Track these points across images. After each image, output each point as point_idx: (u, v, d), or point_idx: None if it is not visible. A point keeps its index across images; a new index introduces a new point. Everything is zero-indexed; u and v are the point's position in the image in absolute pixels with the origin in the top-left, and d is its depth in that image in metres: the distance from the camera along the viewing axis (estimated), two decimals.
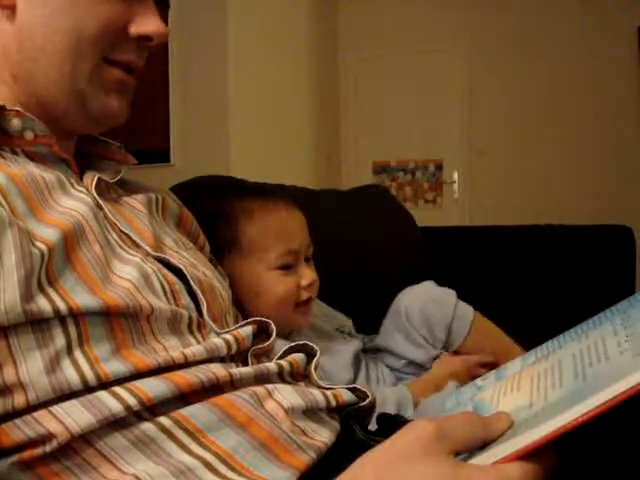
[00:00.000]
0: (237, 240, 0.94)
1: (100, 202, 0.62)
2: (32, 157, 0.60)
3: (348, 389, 0.65)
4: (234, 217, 0.95)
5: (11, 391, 0.48)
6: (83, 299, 0.51)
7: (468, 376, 1.03)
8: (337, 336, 1.10)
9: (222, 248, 0.91)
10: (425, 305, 1.09)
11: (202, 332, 0.62)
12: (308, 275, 0.98)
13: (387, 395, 0.96)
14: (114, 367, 0.51)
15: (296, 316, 0.97)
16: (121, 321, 0.54)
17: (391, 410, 0.92)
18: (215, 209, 0.94)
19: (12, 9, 0.59)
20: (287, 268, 0.96)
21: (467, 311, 1.10)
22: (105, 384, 0.51)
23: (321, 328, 1.08)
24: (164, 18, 0.66)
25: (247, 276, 0.93)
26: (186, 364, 0.56)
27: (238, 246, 0.94)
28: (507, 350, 1.09)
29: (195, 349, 0.57)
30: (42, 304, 0.49)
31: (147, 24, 0.63)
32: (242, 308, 0.88)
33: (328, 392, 0.62)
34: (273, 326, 0.68)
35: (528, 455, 0.38)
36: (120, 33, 0.62)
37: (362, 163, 4.72)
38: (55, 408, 0.49)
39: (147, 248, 0.63)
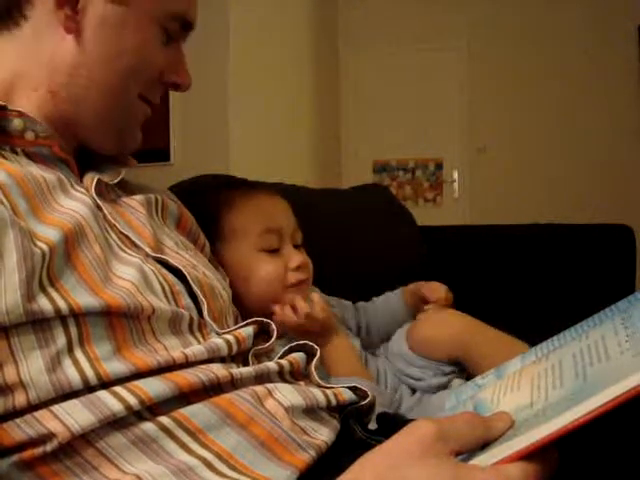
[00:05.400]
0: (220, 229, 0.95)
1: (99, 203, 0.63)
2: (32, 157, 0.61)
3: (348, 388, 0.65)
4: (217, 210, 0.96)
5: (12, 390, 0.48)
6: (84, 299, 0.51)
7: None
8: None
9: (211, 243, 0.91)
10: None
11: (203, 332, 0.62)
12: (296, 257, 0.96)
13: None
14: (115, 366, 0.51)
15: (289, 296, 0.95)
16: (122, 321, 0.54)
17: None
18: (202, 208, 0.95)
19: (76, 33, 0.62)
20: (273, 251, 0.95)
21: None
22: (106, 384, 0.51)
23: None
24: None
25: (235, 261, 0.93)
26: (187, 364, 0.56)
27: (222, 235, 0.94)
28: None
29: (196, 349, 0.57)
30: (43, 304, 0.49)
31: (181, 75, 0.70)
32: (239, 301, 0.88)
33: (328, 391, 0.62)
34: (274, 326, 0.68)
35: (529, 455, 0.38)
36: (158, 76, 0.68)
37: (362, 162, 4.71)
38: (56, 407, 0.49)
39: (147, 249, 0.63)
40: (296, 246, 1.00)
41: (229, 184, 1.19)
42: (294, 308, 0.95)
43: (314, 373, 0.66)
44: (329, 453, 0.57)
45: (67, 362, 0.50)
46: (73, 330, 0.51)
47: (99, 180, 0.65)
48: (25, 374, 0.48)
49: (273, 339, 0.67)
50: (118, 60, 0.63)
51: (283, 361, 0.63)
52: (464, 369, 1.02)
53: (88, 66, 0.62)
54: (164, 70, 0.68)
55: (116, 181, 0.69)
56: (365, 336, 1.19)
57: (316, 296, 0.97)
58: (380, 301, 1.22)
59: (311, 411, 0.59)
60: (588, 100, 4.23)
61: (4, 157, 0.58)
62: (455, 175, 4.63)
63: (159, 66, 0.67)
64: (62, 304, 0.50)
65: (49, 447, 0.48)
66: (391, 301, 1.21)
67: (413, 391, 1.03)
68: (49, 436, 0.48)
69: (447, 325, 1.01)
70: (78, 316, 0.51)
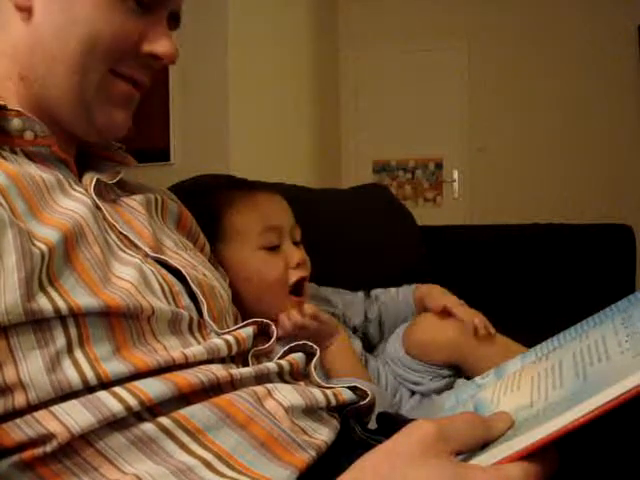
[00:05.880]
0: (220, 229, 0.95)
1: (99, 203, 0.63)
2: (31, 157, 0.60)
3: (348, 388, 0.65)
4: (217, 210, 0.97)
5: (11, 391, 0.48)
6: (84, 299, 0.51)
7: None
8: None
9: (210, 243, 0.90)
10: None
11: (202, 333, 0.62)
12: (296, 254, 0.97)
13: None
14: (114, 367, 0.51)
15: (291, 305, 0.96)
16: (121, 321, 0.54)
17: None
18: (202, 208, 0.95)
19: (29, 11, 0.60)
20: (273, 249, 0.96)
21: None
22: (105, 384, 0.51)
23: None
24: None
25: (235, 261, 0.94)
26: (186, 364, 0.56)
27: (222, 235, 0.95)
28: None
29: (195, 349, 0.57)
30: (43, 304, 0.49)
31: (160, 44, 0.64)
32: (239, 301, 0.87)
33: (328, 391, 0.62)
34: (274, 327, 0.68)
35: (529, 455, 0.38)
36: (132, 48, 0.63)
37: (362, 162, 4.71)
38: (55, 408, 0.49)
39: (146, 249, 0.63)
40: (295, 243, 1.00)
41: (229, 184, 1.20)
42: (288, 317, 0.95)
43: (314, 373, 0.66)
44: (329, 453, 0.57)
45: (67, 362, 0.50)
46: (73, 330, 0.51)
47: (98, 180, 0.65)
48: (25, 374, 0.48)
49: (273, 340, 0.67)
50: (71, 31, 0.60)
51: (283, 361, 0.63)
52: (460, 372, 1.02)
53: (43, 42, 0.60)
54: (141, 40, 0.64)
55: (115, 181, 0.68)
56: (376, 329, 1.18)
57: (309, 308, 0.96)
58: (392, 294, 1.21)
59: (311, 411, 0.59)
60: (588, 100, 4.23)
61: (3, 157, 0.57)
62: (455, 175, 4.63)
63: (129, 38, 0.63)
64: (62, 304, 0.50)
65: (49, 447, 0.48)
66: (401, 297, 1.19)
67: (412, 393, 1.03)
68: (49, 436, 0.48)
69: (444, 328, 1.01)
70: (78, 316, 0.51)
